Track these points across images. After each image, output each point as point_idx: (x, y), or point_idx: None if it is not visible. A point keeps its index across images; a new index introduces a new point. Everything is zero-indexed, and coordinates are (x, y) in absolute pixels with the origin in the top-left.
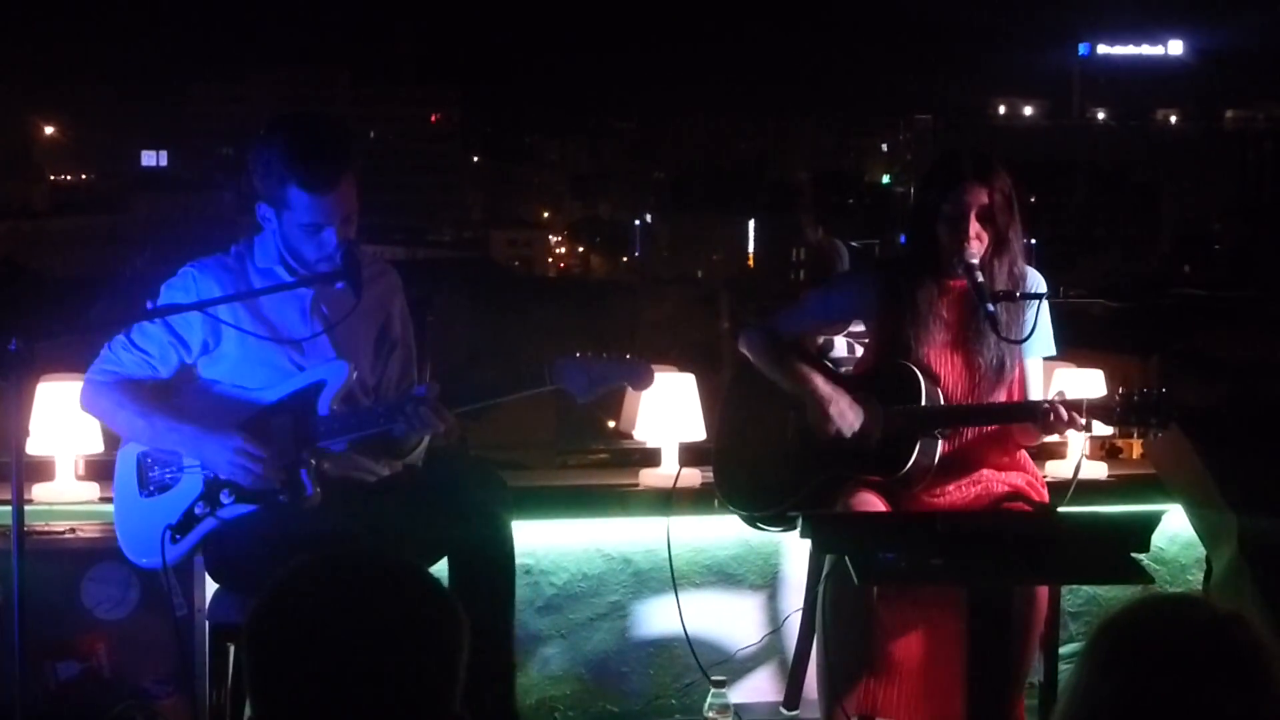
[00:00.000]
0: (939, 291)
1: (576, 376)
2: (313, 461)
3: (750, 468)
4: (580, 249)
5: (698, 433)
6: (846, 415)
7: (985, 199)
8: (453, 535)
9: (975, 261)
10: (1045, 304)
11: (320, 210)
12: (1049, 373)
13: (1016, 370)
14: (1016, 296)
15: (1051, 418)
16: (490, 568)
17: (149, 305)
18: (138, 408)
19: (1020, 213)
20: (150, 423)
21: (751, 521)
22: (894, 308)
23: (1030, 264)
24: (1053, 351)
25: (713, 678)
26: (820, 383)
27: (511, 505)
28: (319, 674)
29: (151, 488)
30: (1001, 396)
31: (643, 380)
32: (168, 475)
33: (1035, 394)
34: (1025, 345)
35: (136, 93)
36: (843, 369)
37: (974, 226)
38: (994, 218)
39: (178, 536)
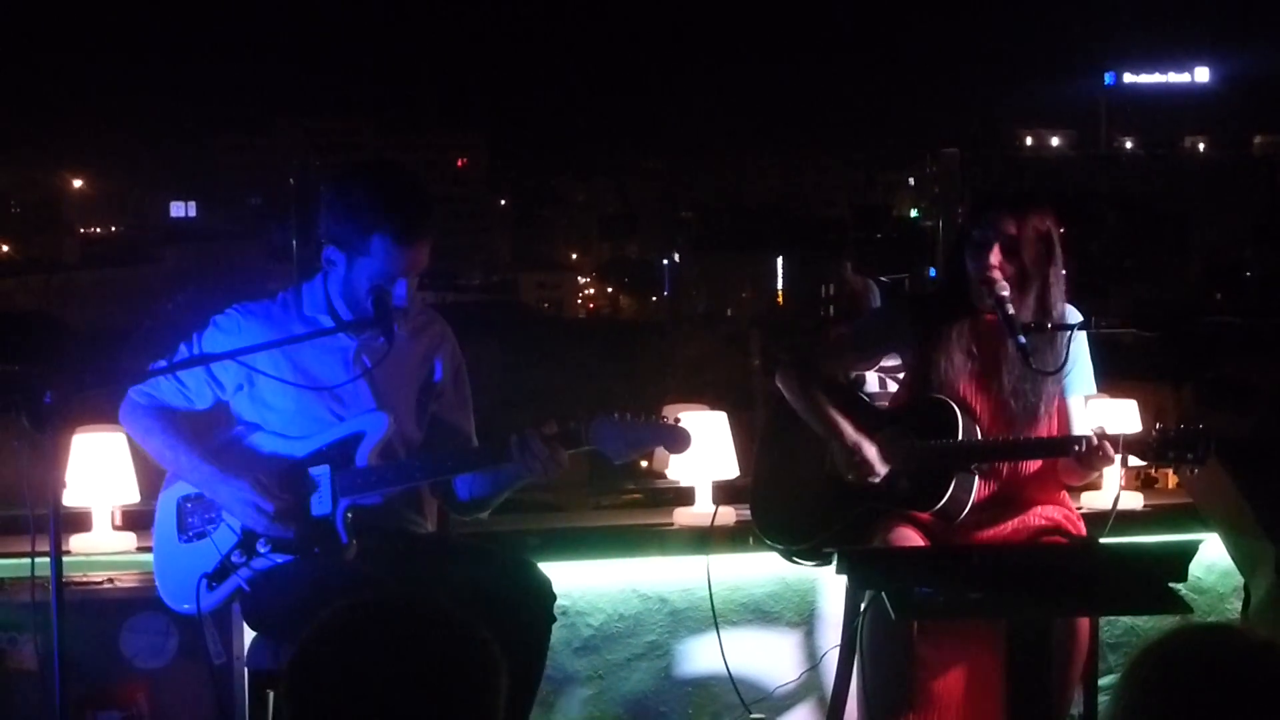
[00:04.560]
0: (971, 325)
1: (613, 439)
2: (349, 514)
3: (787, 502)
4: (609, 290)
5: (731, 471)
6: (872, 464)
7: (1013, 230)
8: (489, 583)
9: (1005, 294)
10: (1084, 341)
11: (402, 261)
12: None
13: (1055, 407)
14: (1048, 327)
15: (1084, 449)
16: (524, 620)
17: (188, 345)
18: (167, 439)
19: (1061, 251)
20: (175, 455)
21: (788, 556)
22: (927, 342)
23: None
24: (1093, 390)
25: (752, 715)
26: (848, 430)
27: (551, 598)
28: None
29: (190, 534)
30: (1040, 434)
31: (679, 445)
32: (207, 523)
33: (1078, 432)
34: (1065, 383)
35: (164, 144)
36: (877, 404)
37: (995, 255)
38: (1020, 251)
39: (214, 585)
